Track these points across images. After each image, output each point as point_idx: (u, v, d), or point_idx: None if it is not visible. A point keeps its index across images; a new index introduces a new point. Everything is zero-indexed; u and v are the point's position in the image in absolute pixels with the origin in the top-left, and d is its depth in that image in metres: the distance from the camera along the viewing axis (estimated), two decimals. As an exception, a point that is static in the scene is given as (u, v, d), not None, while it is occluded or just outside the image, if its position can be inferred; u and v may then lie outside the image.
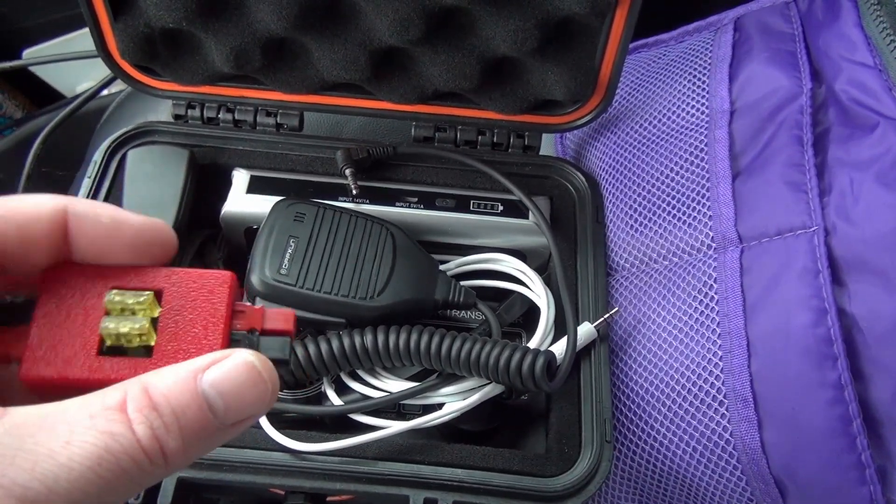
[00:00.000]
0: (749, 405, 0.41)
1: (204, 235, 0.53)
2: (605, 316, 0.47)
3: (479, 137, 0.55)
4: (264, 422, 0.42)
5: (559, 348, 0.45)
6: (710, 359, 0.43)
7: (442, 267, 0.50)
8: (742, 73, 0.51)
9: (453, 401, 0.44)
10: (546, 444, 0.46)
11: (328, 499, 0.44)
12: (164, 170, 0.52)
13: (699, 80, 0.53)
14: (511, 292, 0.51)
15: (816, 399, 0.39)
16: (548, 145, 0.61)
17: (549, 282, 0.51)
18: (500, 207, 0.52)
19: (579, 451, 0.43)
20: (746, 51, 0.52)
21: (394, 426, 0.42)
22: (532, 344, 0.45)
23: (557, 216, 0.53)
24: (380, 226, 0.48)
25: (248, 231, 0.52)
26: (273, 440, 0.42)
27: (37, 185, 0.63)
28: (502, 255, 0.51)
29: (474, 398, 0.44)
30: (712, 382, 0.42)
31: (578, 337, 0.45)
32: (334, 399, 0.45)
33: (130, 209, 0.50)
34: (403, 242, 0.47)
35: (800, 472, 0.40)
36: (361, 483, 0.42)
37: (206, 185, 0.53)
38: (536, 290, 0.49)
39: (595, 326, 0.46)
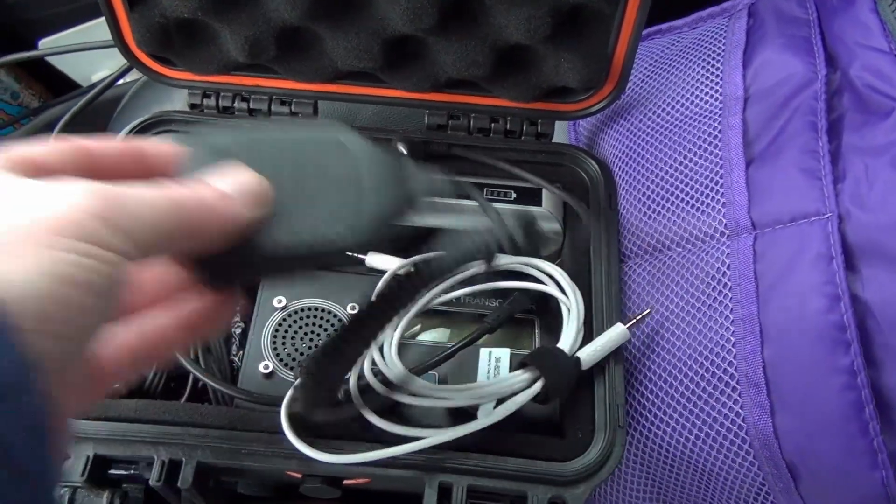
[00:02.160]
0: (762, 391, 0.41)
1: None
2: (637, 317, 0.46)
3: (493, 125, 0.55)
4: (288, 432, 0.42)
5: (592, 348, 0.45)
6: (722, 345, 0.43)
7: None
8: (756, 59, 0.51)
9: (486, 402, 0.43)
10: (559, 430, 0.47)
11: (344, 482, 0.44)
12: None
13: (713, 66, 0.53)
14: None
15: (829, 385, 0.39)
16: (561, 132, 0.61)
17: (561, 266, 0.51)
18: (514, 195, 0.53)
19: (592, 437, 0.44)
20: (760, 37, 0.52)
21: (426, 439, 0.41)
22: (561, 344, 0.45)
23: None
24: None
25: (263, 219, 0.52)
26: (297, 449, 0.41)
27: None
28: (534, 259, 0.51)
29: (508, 407, 0.43)
30: (725, 368, 0.43)
31: (611, 339, 0.45)
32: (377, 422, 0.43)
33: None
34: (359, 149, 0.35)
35: (812, 457, 0.40)
36: (377, 467, 0.42)
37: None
38: (567, 293, 0.49)
39: (628, 327, 0.46)
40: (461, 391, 0.43)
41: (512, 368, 0.45)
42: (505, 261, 0.51)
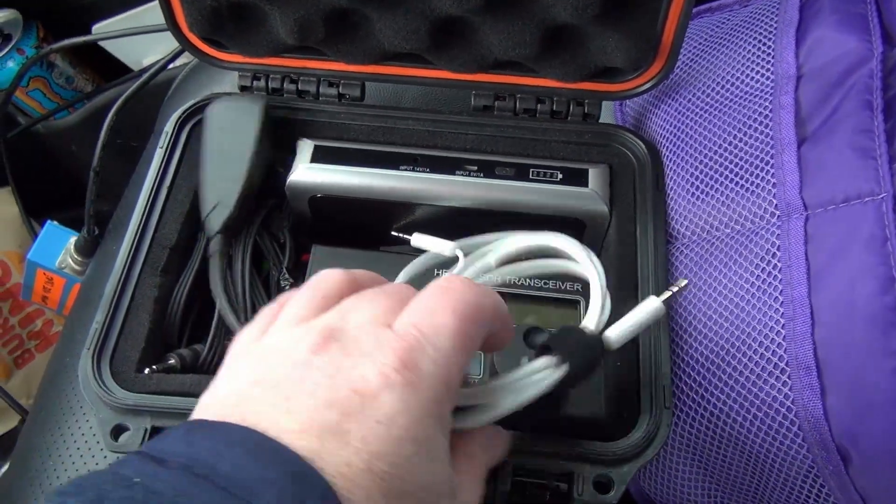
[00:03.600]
0: (812, 373, 0.41)
1: (270, 205, 0.55)
2: (674, 290, 0.42)
3: (539, 106, 0.55)
4: None
5: (621, 325, 0.40)
6: (772, 326, 0.43)
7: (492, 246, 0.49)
8: (810, 36, 0.50)
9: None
10: (604, 410, 0.47)
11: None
12: (239, 123, 0.52)
13: (765, 44, 0.52)
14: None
15: (882, 367, 0.38)
16: (607, 113, 0.60)
17: (610, 250, 0.51)
18: (560, 175, 0.53)
19: (637, 417, 0.44)
20: (814, 14, 0.51)
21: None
22: (587, 321, 0.40)
23: (617, 184, 0.53)
24: None
25: (312, 200, 0.53)
26: None
27: (110, 156, 0.66)
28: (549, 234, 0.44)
29: (531, 393, 0.37)
30: (774, 350, 0.42)
31: (643, 312, 0.40)
32: None
33: (211, 159, 0.51)
34: None
35: (863, 440, 0.39)
36: None
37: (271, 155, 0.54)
38: (583, 264, 0.41)
39: (662, 301, 0.40)
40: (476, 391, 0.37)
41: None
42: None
